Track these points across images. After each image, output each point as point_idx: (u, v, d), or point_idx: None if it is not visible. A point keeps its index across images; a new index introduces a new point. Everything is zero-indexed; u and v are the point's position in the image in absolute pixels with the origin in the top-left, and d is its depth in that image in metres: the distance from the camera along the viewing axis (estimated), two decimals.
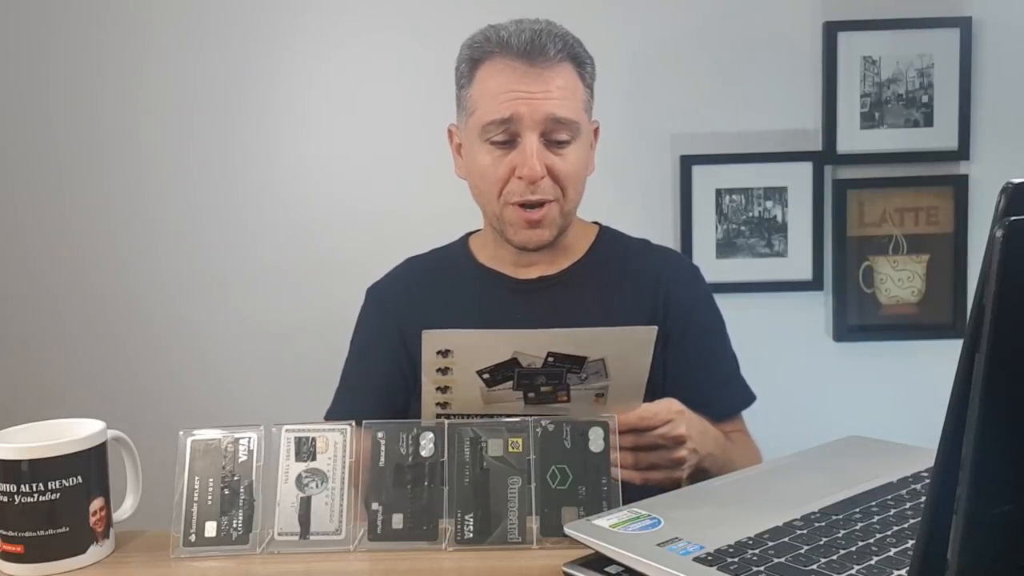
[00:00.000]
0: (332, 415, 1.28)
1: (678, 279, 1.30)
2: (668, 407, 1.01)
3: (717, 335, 1.32)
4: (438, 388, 0.98)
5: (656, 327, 0.96)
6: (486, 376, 0.97)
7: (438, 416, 1.00)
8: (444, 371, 0.97)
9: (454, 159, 1.29)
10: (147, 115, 1.97)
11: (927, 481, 0.90)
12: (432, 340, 0.96)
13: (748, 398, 1.29)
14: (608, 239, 1.33)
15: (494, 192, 1.20)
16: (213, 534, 0.91)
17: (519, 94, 1.16)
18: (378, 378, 1.28)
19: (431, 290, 1.31)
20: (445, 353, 0.96)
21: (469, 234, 1.37)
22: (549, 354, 0.95)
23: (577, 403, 0.98)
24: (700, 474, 1.07)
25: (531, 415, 0.97)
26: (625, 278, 1.28)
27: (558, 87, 1.17)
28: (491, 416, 0.99)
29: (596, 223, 1.36)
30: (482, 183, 1.22)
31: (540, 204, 1.19)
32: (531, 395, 0.98)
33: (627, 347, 0.96)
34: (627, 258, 1.31)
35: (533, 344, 0.94)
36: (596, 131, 1.29)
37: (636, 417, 0.99)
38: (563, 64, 1.18)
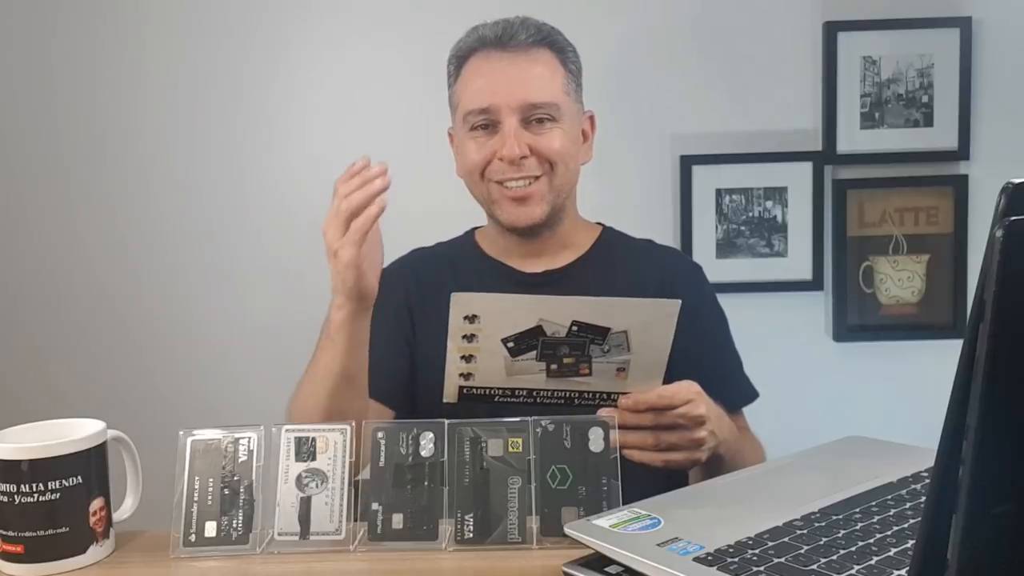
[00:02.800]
0: None
1: (681, 278, 1.31)
2: (688, 388, 1.01)
3: (721, 333, 1.33)
4: (463, 357, 1.00)
5: (680, 300, 0.97)
6: (510, 345, 0.98)
7: (461, 389, 1.02)
8: (470, 338, 0.98)
9: (455, 160, 1.30)
10: (149, 116, 1.96)
11: (927, 481, 0.90)
12: (460, 303, 0.97)
13: (751, 395, 1.31)
14: (611, 238, 1.34)
15: (479, 174, 1.23)
16: (213, 534, 0.91)
17: (495, 82, 1.20)
18: (387, 351, 1.26)
19: (439, 276, 1.31)
20: (472, 318, 0.97)
21: (475, 228, 1.38)
22: (573, 323, 0.96)
23: (599, 377, 0.99)
24: (715, 462, 1.08)
25: (552, 389, 1.00)
26: (628, 276, 1.29)
27: (535, 73, 1.21)
28: (512, 391, 1.01)
29: (599, 223, 1.37)
30: (464, 168, 1.25)
31: (526, 183, 1.20)
32: (553, 367, 0.99)
33: (651, 320, 0.97)
34: (630, 257, 1.32)
35: (559, 312, 0.96)
36: (592, 121, 1.30)
37: (655, 396, 0.99)
38: (538, 49, 1.22)
